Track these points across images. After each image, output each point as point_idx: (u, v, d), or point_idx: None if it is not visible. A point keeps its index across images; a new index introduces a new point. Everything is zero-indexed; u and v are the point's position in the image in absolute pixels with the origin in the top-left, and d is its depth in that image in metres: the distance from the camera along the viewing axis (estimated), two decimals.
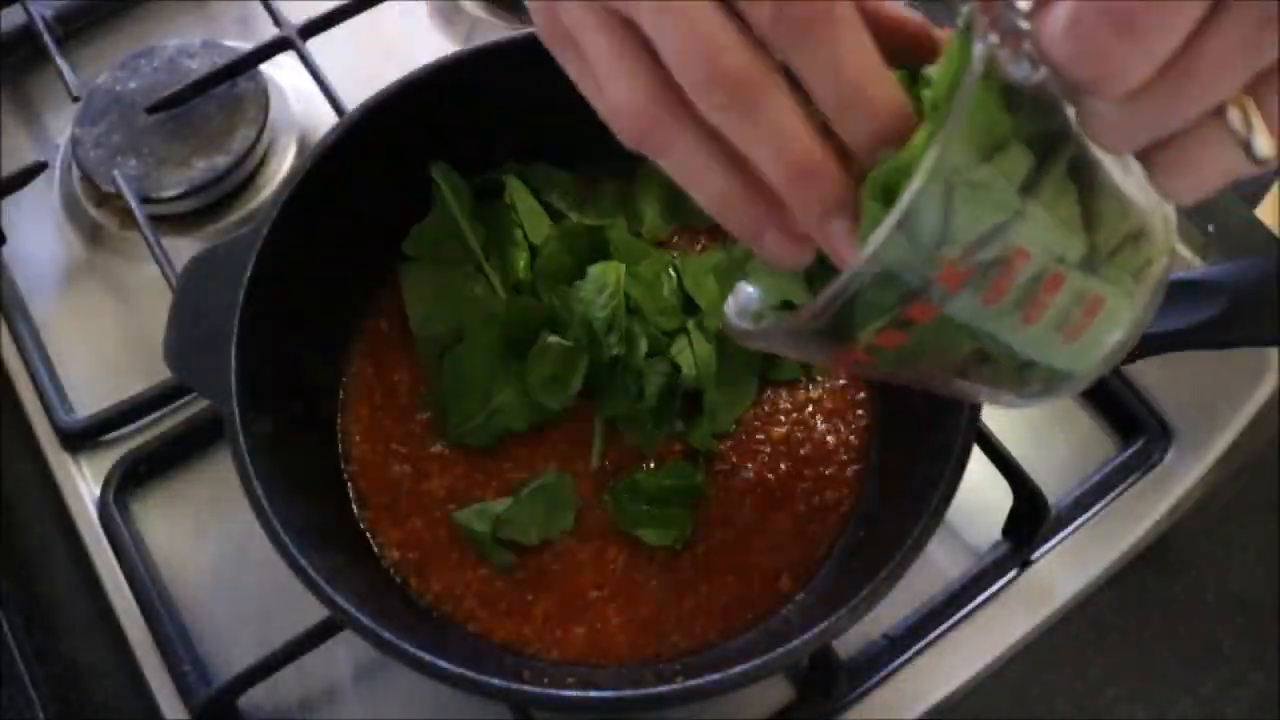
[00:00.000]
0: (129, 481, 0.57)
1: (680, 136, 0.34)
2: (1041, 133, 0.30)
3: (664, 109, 0.33)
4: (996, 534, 0.55)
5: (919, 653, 0.52)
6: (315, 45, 0.67)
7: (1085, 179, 0.32)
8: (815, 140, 0.32)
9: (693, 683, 0.42)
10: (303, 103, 0.69)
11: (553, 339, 0.53)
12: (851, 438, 0.54)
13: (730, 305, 0.41)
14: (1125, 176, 0.32)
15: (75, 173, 0.67)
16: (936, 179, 0.29)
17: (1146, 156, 0.31)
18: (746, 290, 0.41)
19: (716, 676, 0.42)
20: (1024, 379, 0.35)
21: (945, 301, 0.32)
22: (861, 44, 0.31)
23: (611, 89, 0.34)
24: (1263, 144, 0.29)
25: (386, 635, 0.43)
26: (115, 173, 0.64)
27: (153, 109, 0.66)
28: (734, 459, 0.54)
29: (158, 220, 0.63)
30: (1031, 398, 0.36)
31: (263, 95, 0.67)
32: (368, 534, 0.53)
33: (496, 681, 0.43)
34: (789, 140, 0.32)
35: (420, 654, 0.42)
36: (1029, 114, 0.30)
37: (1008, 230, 0.30)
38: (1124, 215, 0.33)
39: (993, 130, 0.29)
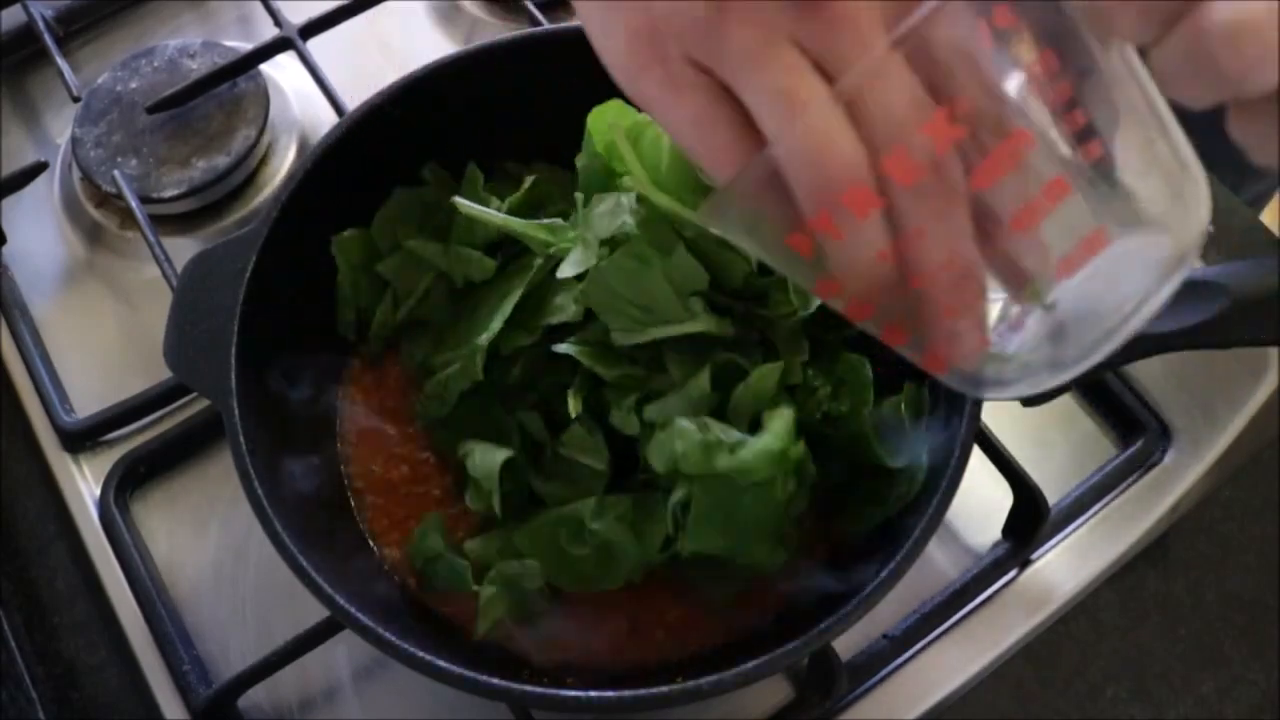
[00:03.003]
0: (129, 481, 0.57)
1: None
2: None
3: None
4: (996, 534, 0.55)
5: (919, 653, 0.52)
6: (315, 45, 0.67)
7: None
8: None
9: (693, 683, 0.42)
10: (303, 103, 0.69)
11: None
12: None
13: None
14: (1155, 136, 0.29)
15: (75, 173, 0.67)
16: None
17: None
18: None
19: (716, 677, 0.42)
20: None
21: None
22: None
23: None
24: None
25: (386, 635, 0.43)
26: (115, 173, 0.64)
27: (153, 109, 0.66)
28: None
29: (158, 220, 0.63)
30: (1011, 379, 0.32)
31: (263, 95, 0.67)
32: (367, 534, 0.53)
33: (496, 681, 0.42)
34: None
35: (420, 654, 0.42)
36: None
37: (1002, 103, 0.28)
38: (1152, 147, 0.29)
39: None
